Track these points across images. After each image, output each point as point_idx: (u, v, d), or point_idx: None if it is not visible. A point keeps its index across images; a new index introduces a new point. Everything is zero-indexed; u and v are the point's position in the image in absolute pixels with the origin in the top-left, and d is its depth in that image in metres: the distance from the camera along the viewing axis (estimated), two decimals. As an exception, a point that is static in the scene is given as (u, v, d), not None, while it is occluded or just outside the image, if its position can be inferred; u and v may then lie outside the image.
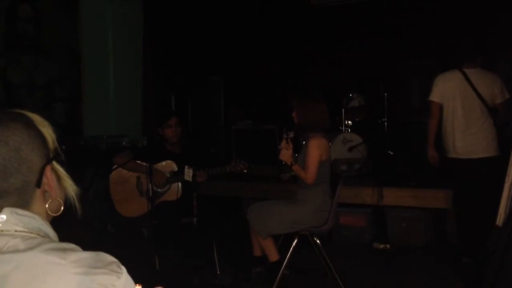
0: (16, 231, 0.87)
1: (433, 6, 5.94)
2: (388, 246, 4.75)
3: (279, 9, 6.74)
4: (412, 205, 4.83)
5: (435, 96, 4.05)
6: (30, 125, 0.95)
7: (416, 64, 5.98)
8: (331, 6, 6.63)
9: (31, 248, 0.83)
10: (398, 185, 4.96)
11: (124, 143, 4.65)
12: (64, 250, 0.85)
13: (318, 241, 3.66)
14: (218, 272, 3.96)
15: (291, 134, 3.70)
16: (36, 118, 0.98)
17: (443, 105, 4.02)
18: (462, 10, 5.70)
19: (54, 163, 0.98)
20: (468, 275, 3.86)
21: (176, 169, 3.97)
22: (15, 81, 4.96)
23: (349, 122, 6.22)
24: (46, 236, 0.91)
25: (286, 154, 3.55)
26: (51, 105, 5.26)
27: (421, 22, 5.96)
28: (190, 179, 3.75)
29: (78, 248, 0.88)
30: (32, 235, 0.88)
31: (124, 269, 0.88)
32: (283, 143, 3.59)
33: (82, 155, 4.34)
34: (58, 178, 1.00)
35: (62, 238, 0.96)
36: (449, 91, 3.99)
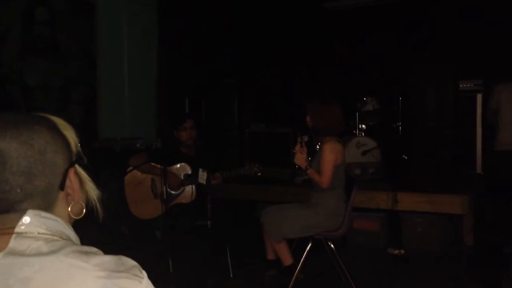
0: (39, 233, 0.87)
1: (450, 9, 5.89)
2: (402, 251, 4.71)
3: (292, 12, 6.74)
4: (428, 210, 4.78)
5: (492, 103, 5.14)
6: (54, 129, 0.96)
7: (431, 67, 5.91)
8: (344, 9, 6.61)
9: (54, 251, 0.83)
10: (413, 189, 4.91)
11: (138, 145, 4.68)
12: (86, 253, 0.85)
13: (332, 245, 3.64)
14: (231, 275, 3.96)
15: (305, 138, 3.69)
16: (60, 122, 0.99)
17: (498, 109, 5.06)
18: (477, 12, 5.65)
19: (77, 166, 0.99)
20: (485, 281, 3.81)
21: (190, 171, 3.97)
22: (31, 83, 5.00)
23: (363, 126, 6.18)
24: (68, 239, 0.91)
25: (300, 158, 3.53)
26: (67, 107, 5.30)
27: (437, 25, 5.92)
28: (204, 182, 3.74)
29: (99, 251, 0.88)
30: (55, 237, 0.88)
31: (145, 274, 0.88)
32: (297, 147, 3.57)
33: (97, 156, 4.37)
34: (80, 181, 1.00)
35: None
36: (504, 97, 5.03)
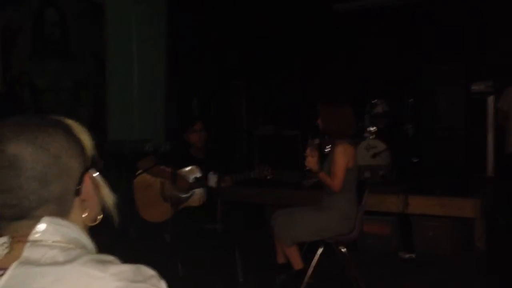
0: (54, 241, 0.84)
1: (459, 10, 5.83)
2: (413, 255, 4.65)
3: (302, 14, 6.70)
4: (439, 214, 4.72)
5: (503, 105, 5.03)
6: (69, 132, 0.92)
7: (441, 69, 5.86)
8: (353, 11, 6.57)
9: (70, 261, 0.80)
10: (424, 193, 4.85)
11: (147, 147, 4.66)
12: (103, 262, 0.82)
13: (343, 249, 3.59)
14: (241, 280, 3.92)
15: (316, 141, 3.65)
16: (74, 125, 0.96)
17: (509, 111, 4.92)
18: (489, 14, 5.60)
19: (92, 170, 0.96)
20: (499, 285, 3.76)
21: (200, 174, 3.94)
22: (41, 84, 5.01)
23: (373, 128, 6.12)
24: (84, 247, 0.88)
25: (311, 161, 3.49)
26: (76, 109, 5.30)
27: (447, 26, 5.86)
28: (214, 185, 3.71)
29: (116, 260, 0.85)
30: (70, 246, 0.85)
31: (163, 283, 0.85)
32: (308, 150, 3.53)
33: (106, 159, 4.35)
34: (96, 186, 0.97)
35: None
36: None
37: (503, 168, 5.22)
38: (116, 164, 4.47)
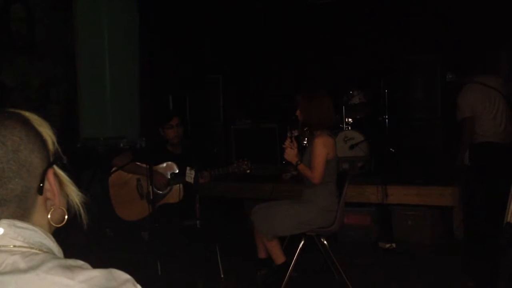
0: (14, 246, 0.76)
1: (434, 0, 5.86)
2: (394, 245, 4.66)
3: (277, 6, 6.64)
4: (418, 203, 4.74)
5: (467, 111, 4.47)
6: (28, 125, 0.84)
7: (417, 59, 5.89)
8: (329, 2, 6.53)
9: (32, 268, 0.72)
10: (402, 183, 4.86)
11: (122, 144, 4.54)
12: (71, 268, 0.74)
13: (325, 242, 3.56)
14: (222, 276, 3.86)
15: (295, 133, 3.59)
16: (34, 118, 0.87)
17: (475, 115, 4.46)
18: (463, 4, 5.62)
19: (55, 167, 0.87)
20: (478, 273, 3.78)
21: (177, 170, 3.86)
22: (8, 83, 4.83)
23: (350, 119, 6.12)
24: (49, 251, 0.79)
25: (291, 153, 3.44)
26: (46, 107, 5.13)
27: (422, 17, 5.88)
28: (192, 181, 3.63)
29: (86, 265, 0.77)
30: (34, 250, 0.76)
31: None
32: (287, 142, 3.47)
33: (79, 157, 4.23)
34: (60, 183, 0.88)
35: (59, 244, 0.85)
36: (478, 101, 4.47)
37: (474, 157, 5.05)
38: (90, 162, 4.34)
